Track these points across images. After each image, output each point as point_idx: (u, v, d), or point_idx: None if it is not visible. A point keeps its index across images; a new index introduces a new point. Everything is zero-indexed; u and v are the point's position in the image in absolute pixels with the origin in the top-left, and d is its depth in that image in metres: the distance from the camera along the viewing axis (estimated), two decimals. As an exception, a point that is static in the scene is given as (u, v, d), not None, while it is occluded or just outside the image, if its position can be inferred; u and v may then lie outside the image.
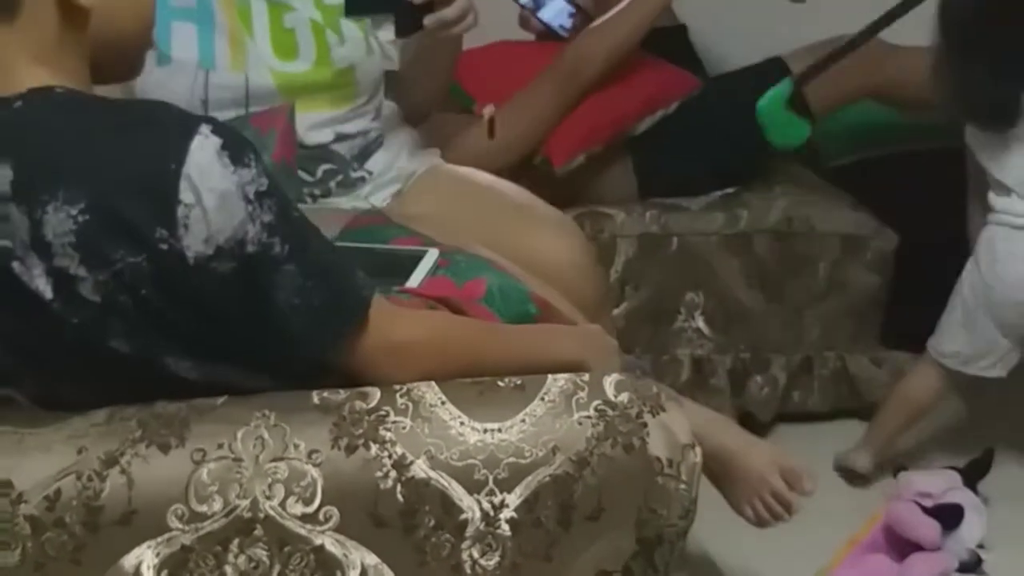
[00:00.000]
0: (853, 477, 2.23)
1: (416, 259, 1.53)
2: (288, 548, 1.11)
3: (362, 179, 1.84)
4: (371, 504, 1.12)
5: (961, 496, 1.99)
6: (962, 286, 2.16)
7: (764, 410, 2.45)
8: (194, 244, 1.07)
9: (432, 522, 1.13)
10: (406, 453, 1.13)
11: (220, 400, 1.16)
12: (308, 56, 1.78)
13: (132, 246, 1.06)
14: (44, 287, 1.08)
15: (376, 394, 1.16)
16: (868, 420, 2.31)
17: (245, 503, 1.10)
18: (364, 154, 1.86)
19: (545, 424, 1.16)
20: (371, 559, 1.13)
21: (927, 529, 1.91)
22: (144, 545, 1.09)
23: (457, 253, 1.55)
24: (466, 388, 1.18)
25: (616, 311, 2.30)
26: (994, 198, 2.11)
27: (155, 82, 1.66)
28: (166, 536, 1.10)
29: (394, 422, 1.14)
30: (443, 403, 1.16)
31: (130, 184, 1.06)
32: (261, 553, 1.11)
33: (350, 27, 1.80)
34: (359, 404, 1.15)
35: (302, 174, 1.79)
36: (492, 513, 1.14)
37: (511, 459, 1.14)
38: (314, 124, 1.80)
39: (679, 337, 2.43)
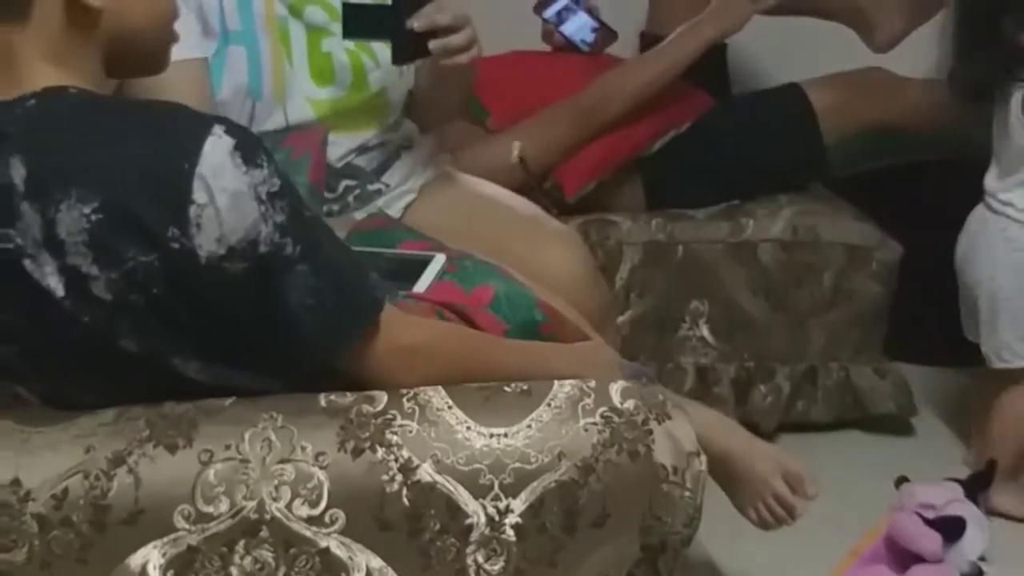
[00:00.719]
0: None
1: (423, 264, 1.53)
2: (294, 550, 1.11)
3: (379, 191, 1.85)
4: (377, 507, 1.12)
5: (963, 508, 1.99)
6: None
7: (767, 420, 2.45)
8: (206, 244, 1.07)
9: (437, 526, 1.13)
10: (412, 457, 1.13)
11: (228, 401, 1.16)
12: (344, 81, 1.78)
13: (144, 245, 1.07)
14: (56, 285, 1.08)
15: (383, 398, 1.16)
16: (870, 432, 2.30)
17: (252, 504, 1.11)
18: (382, 167, 1.86)
19: (551, 430, 1.16)
20: (376, 562, 1.13)
21: (929, 541, 1.90)
22: (150, 545, 1.10)
23: (465, 259, 1.55)
24: (473, 393, 1.19)
25: (621, 318, 2.31)
26: None
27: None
28: (172, 536, 1.10)
29: (401, 426, 1.14)
30: (450, 407, 1.16)
31: (143, 183, 1.06)
32: (267, 555, 1.11)
33: (383, 51, 1.79)
34: (366, 407, 1.15)
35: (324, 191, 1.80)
36: (497, 518, 1.14)
37: (517, 464, 1.14)
38: (342, 144, 1.81)
39: (683, 345, 2.43)
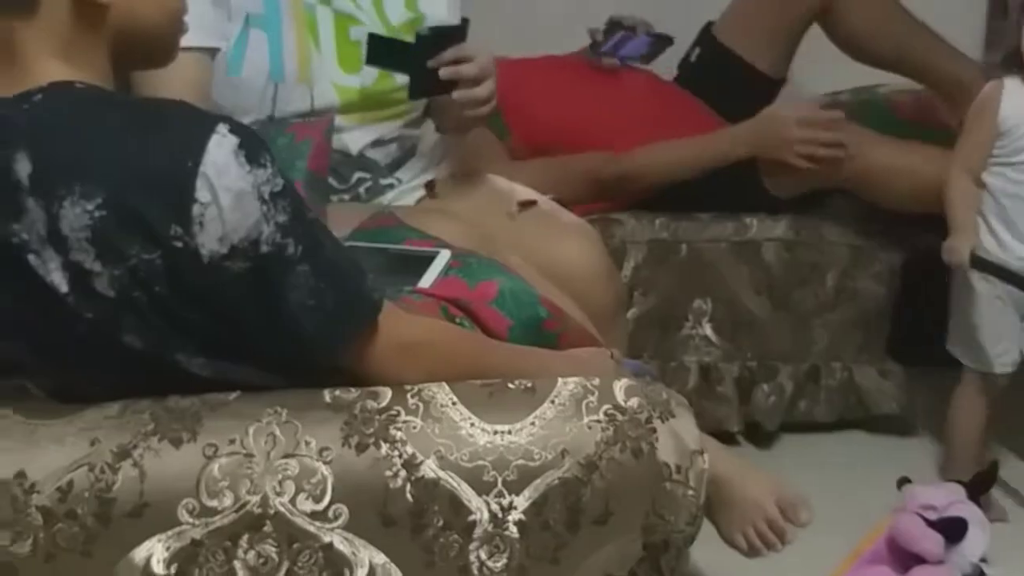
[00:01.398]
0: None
1: (428, 260, 1.54)
2: (297, 545, 1.12)
3: (391, 186, 1.86)
4: (380, 503, 1.12)
5: (965, 509, 1.99)
6: None
7: (770, 419, 2.45)
8: (209, 242, 1.07)
9: (441, 522, 1.13)
10: (416, 453, 1.13)
11: (232, 396, 1.16)
12: (371, 71, 1.79)
13: (147, 243, 1.07)
14: (60, 281, 1.08)
15: (387, 394, 1.17)
16: (873, 432, 2.31)
17: (255, 499, 1.11)
18: (397, 163, 1.87)
19: (555, 427, 1.16)
20: (379, 558, 1.13)
21: (930, 542, 1.90)
22: (155, 538, 1.10)
23: (470, 255, 1.56)
24: (477, 389, 1.19)
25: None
26: None
27: (225, 93, 1.67)
28: (176, 530, 1.10)
29: (405, 422, 1.14)
30: (454, 404, 1.16)
31: (147, 181, 1.06)
32: (270, 549, 1.11)
33: None
34: (370, 403, 1.15)
35: (334, 180, 1.80)
36: (500, 515, 1.14)
37: (520, 461, 1.14)
38: (360, 134, 1.81)
39: (686, 344, 2.43)
